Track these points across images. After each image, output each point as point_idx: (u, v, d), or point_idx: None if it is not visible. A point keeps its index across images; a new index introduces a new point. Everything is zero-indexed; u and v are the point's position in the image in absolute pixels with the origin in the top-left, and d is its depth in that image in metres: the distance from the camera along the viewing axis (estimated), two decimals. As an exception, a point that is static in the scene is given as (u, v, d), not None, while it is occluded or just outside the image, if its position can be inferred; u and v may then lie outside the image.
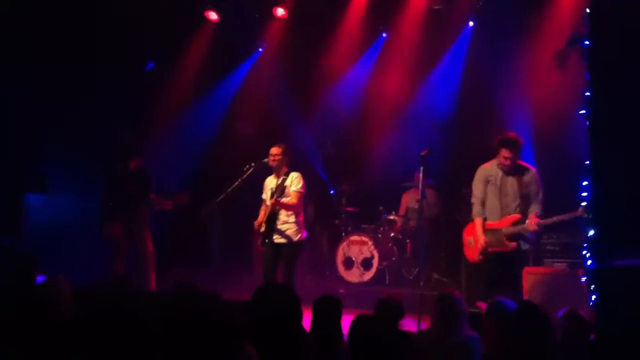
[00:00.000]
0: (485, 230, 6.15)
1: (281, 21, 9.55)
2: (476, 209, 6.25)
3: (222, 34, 9.61)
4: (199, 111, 9.86)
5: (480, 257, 6.16)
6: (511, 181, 6.08)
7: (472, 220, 6.39)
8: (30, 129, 8.38)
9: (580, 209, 5.48)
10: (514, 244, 6.03)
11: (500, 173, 6.14)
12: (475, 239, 6.25)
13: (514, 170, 6.08)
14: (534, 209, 6.00)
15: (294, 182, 6.56)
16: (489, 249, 6.11)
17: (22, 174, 8.45)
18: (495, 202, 6.14)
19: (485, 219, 6.19)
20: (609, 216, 4.16)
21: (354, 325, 3.12)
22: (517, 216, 6.03)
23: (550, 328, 3.23)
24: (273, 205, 6.51)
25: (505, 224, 6.07)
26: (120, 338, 2.89)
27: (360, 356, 3.00)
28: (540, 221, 5.93)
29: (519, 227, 6.00)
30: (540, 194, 6.01)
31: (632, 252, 3.94)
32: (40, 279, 4.57)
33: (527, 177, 6.05)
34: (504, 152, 6.02)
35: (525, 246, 6.08)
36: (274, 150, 6.66)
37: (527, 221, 5.97)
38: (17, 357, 3.08)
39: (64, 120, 8.51)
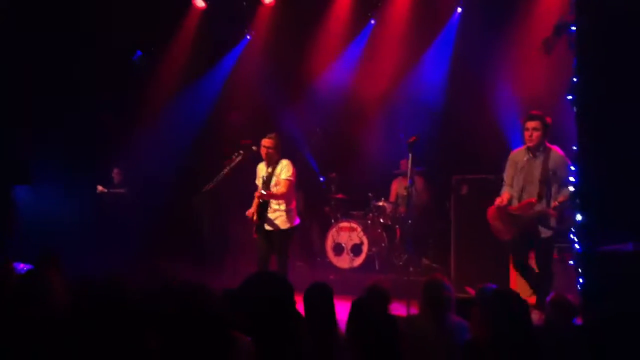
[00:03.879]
0: (507, 214, 5.91)
1: (269, 8, 9.51)
2: (505, 187, 6.05)
3: (210, 22, 9.57)
4: (187, 99, 9.83)
5: (510, 235, 5.92)
6: (536, 165, 5.86)
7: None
8: (14, 121, 8.31)
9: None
10: (532, 227, 5.81)
11: (526, 157, 5.94)
12: (499, 224, 6.01)
13: (540, 151, 5.87)
14: (563, 192, 5.69)
15: (284, 170, 6.55)
16: (514, 229, 5.89)
17: (5, 165, 8.38)
18: (518, 187, 5.96)
19: (511, 198, 5.98)
20: (596, 201, 4.20)
21: (353, 311, 3.15)
22: (532, 199, 5.79)
23: (527, 312, 3.26)
24: (259, 197, 6.53)
25: (522, 209, 5.85)
26: (114, 331, 2.90)
27: (359, 340, 3.04)
28: (557, 204, 5.65)
29: (537, 211, 5.78)
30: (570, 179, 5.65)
31: (618, 236, 3.98)
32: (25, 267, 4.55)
33: (553, 161, 5.81)
34: (528, 124, 5.84)
35: (545, 233, 5.82)
36: (266, 142, 6.58)
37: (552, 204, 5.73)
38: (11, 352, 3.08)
39: (49, 111, 8.45)
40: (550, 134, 5.89)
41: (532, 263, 6.07)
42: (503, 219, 5.99)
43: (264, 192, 6.49)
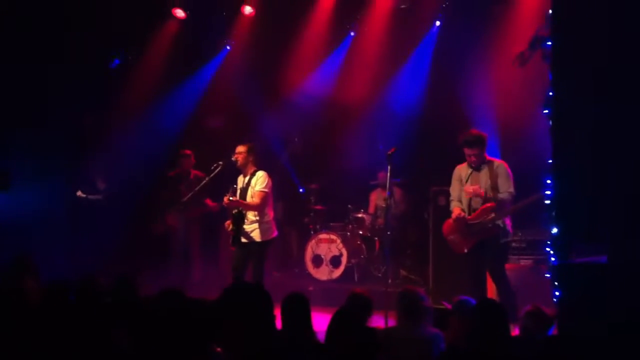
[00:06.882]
0: (466, 225, 6.14)
1: (249, 19, 9.52)
2: (454, 203, 6.33)
3: (189, 32, 9.56)
4: (166, 107, 9.78)
5: (468, 246, 6.13)
6: (482, 176, 6.14)
7: (448, 218, 6.40)
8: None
9: (536, 195, 5.62)
10: (493, 229, 6.04)
11: (469, 171, 6.23)
12: (456, 237, 6.25)
13: (483, 166, 6.15)
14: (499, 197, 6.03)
15: (259, 181, 6.56)
16: (473, 241, 6.09)
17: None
18: (466, 199, 6.21)
19: (463, 210, 6.21)
20: (571, 214, 4.23)
21: (334, 321, 3.16)
22: (490, 204, 6.02)
23: (507, 323, 3.29)
24: (229, 204, 6.49)
25: (480, 216, 6.06)
26: (85, 332, 2.87)
27: (338, 350, 3.05)
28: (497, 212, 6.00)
29: (494, 216, 6.01)
30: (509, 186, 6.04)
31: (592, 249, 4.03)
32: None
33: (496, 171, 6.09)
34: (467, 151, 6.15)
35: (502, 239, 6.09)
36: (239, 148, 6.69)
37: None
38: None
39: (28, 115, 8.37)
40: (486, 147, 6.16)
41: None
42: (461, 231, 6.23)
43: (232, 199, 6.47)
